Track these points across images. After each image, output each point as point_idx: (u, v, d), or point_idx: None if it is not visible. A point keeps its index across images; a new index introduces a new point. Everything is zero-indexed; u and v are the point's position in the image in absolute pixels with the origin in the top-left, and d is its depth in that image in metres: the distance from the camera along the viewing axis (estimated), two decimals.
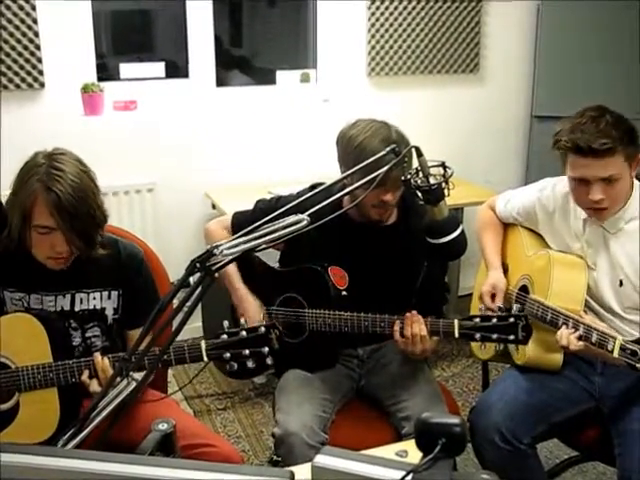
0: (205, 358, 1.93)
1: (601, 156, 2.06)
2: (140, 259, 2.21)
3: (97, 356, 1.99)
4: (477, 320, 2.09)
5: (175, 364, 1.99)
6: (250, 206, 2.48)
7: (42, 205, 1.93)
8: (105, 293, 2.15)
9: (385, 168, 1.77)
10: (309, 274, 2.32)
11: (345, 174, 1.97)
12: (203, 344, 1.93)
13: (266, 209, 2.35)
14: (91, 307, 2.14)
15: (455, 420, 0.96)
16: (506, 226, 2.57)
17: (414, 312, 2.20)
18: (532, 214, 2.42)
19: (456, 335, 2.12)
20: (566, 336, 2.10)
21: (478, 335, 2.09)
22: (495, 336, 2.07)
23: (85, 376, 1.98)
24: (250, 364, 1.88)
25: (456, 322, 2.12)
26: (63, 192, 1.91)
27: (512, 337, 2.05)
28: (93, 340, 2.15)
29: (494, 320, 2.07)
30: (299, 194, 2.36)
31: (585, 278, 2.24)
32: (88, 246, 2.01)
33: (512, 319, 2.05)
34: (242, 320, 1.95)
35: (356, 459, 0.94)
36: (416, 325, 2.17)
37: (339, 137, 2.28)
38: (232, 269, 2.35)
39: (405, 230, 2.37)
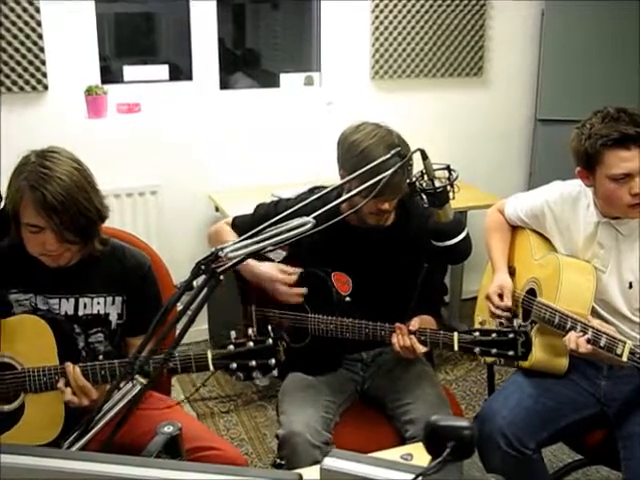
0: (211, 368, 1.91)
1: None
2: (147, 268, 2.19)
3: (69, 365, 1.96)
4: (477, 334, 2.07)
5: (181, 372, 1.97)
6: (252, 209, 2.47)
7: (29, 204, 1.92)
8: (109, 299, 2.14)
9: (390, 171, 1.76)
10: (313, 279, 2.31)
11: (344, 180, 1.97)
12: (209, 354, 1.91)
13: (266, 213, 2.34)
14: (95, 312, 2.12)
15: (464, 423, 0.95)
16: (514, 229, 2.56)
17: (400, 325, 2.19)
18: (541, 217, 2.41)
19: (455, 348, 2.10)
20: (574, 339, 2.10)
21: (477, 349, 2.07)
22: (494, 351, 2.05)
23: (61, 384, 1.96)
24: (256, 375, 1.87)
25: (456, 335, 2.10)
26: (49, 190, 1.89)
27: (511, 353, 2.03)
28: (96, 345, 2.14)
29: (494, 335, 2.05)
30: (298, 198, 2.35)
31: (593, 283, 2.23)
32: (83, 242, 2.01)
33: (512, 335, 2.04)
34: (250, 331, 1.94)
35: (365, 462, 0.93)
36: (406, 338, 2.17)
37: (341, 139, 2.26)
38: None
39: (404, 232, 2.36)
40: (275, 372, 1.87)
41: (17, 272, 2.08)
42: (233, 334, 1.92)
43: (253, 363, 1.86)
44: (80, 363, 1.98)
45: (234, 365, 1.87)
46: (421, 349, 2.16)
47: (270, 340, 1.87)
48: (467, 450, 0.96)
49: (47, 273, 2.06)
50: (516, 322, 2.09)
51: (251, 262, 2.30)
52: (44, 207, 1.90)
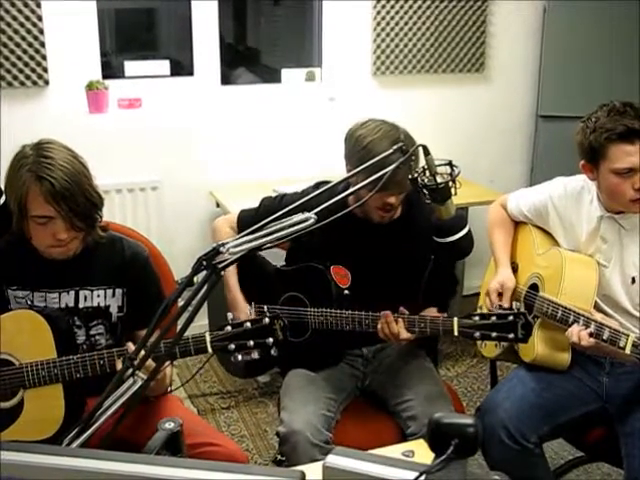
0: (209, 350, 1.92)
1: None
2: (145, 258, 2.20)
3: (130, 346, 1.97)
4: (476, 318, 2.08)
5: (180, 357, 1.98)
6: (254, 204, 2.47)
7: (36, 195, 1.93)
8: (109, 291, 2.14)
9: (393, 166, 1.76)
10: (311, 273, 2.31)
11: (350, 174, 1.97)
12: (207, 336, 1.92)
13: (271, 207, 2.34)
14: (95, 304, 2.13)
15: (468, 420, 0.95)
16: (516, 225, 2.55)
17: (387, 313, 2.18)
18: (544, 212, 2.41)
19: (455, 333, 2.11)
20: (577, 332, 2.09)
21: (477, 333, 2.07)
22: (494, 334, 2.05)
23: (120, 365, 1.94)
24: (255, 355, 1.87)
25: (455, 320, 2.11)
26: (56, 178, 1.91)
27: (511, 335, 2.04)
28: (97, 338, 2.14)
29: (493, 318, 2.05)
30: (304, 192, 2.35)
31: (596, 278, 2.23)
32: (89, 227, 2.03)
33: (511, 317, 2.04)
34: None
35: (368, 459, 0.92)
36: (392, 326, 2.17)
37: (347, 135, 2.27)
38: (231, 270, 2.33)
39: (408, 227, 2.36)
40: (273, 352, 1.88)
41: (16, 268, 2.07)
42: (230, 316, 1.93)
43: (251, 343, 1.87)
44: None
45: (232, 346, 1.87)
46: (405, 335, 2.16)
47: (267, 319, 1.88)
48: (471, 448, 0.95)
49: (46, 268, 2.06)
50: (515, 305, 2.09)
51: (236, 292, 2.34)
52: (53, 195, 1.91)
